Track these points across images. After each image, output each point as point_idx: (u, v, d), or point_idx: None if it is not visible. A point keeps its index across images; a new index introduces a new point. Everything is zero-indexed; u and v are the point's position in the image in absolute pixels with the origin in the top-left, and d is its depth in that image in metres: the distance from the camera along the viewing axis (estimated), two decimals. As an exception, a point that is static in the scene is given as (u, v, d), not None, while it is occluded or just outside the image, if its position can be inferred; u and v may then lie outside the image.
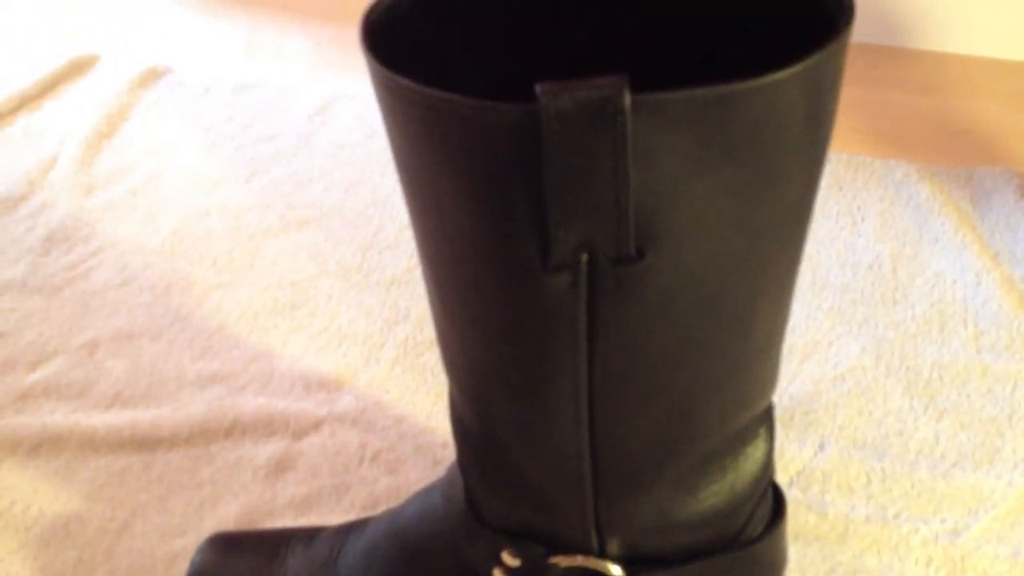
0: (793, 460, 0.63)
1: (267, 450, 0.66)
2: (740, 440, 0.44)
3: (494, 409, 0.42)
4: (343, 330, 0.75)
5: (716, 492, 0.44)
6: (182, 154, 0.94)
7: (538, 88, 0.32)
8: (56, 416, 0.68)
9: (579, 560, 0.45)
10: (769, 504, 0.47)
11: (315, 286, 0.79)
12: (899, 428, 0.65)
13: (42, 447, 0.66)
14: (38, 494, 0.64)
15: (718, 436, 0.42)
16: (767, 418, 0.45)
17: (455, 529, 0.48)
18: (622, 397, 0.40)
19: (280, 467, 0.65)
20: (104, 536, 0.61)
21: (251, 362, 0.73)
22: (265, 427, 0.67)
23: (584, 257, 0.35)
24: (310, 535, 0.55)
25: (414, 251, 0.82)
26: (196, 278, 0.80)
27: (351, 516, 0.62)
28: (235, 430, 0.67)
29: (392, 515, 0.53)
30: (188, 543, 0.60)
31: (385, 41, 0.38)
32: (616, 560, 0.45)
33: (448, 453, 0.66)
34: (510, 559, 0.46)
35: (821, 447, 0.64)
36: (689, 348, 0.38)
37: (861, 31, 1.05)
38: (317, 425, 0.68)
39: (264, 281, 0.80)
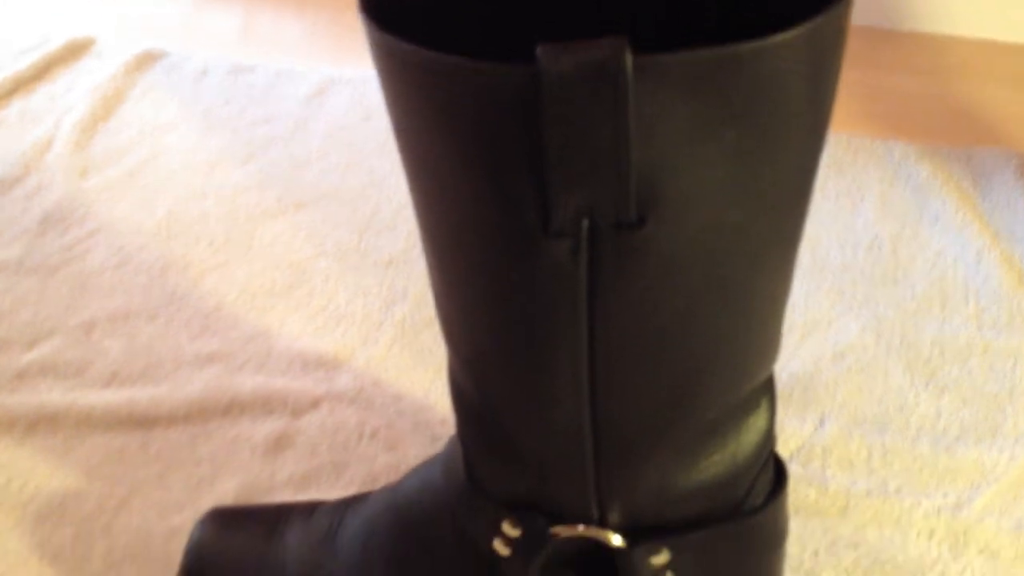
0: (793, 436, 0.63)
1: (265, 428, 0.66)
2: (742, 410, 0.44)
3: (494, 379, 0.42)
4: (341, 310, 0.75)
5: (717, 462, 0.44)
6: (178, 137, 0.93)
7: (539, 50, 0.32)
8: (53, 395, 0.68)
9: (580, 530, 0.45)
10: (770, 475, 0.47)
11: (313, 267, 0.79)
12: (900, 404, 0.65)
13: (39, 425, 0.66)
14: (35, 471, 0.63)
15: (719, 406, 0.42)
16: (768, 389, 0.45)
17: (455, 501, 0.48)
18: (623, 366, 0.39)
19: (279, 444, 0.65)
20: (102, 513, 0.61)
21: (249, 341, 0.72)
22: (263, 405, 0.67)
23: (585, 224, 0.35)
24: (309, 510, 0.55)
25: (411, 232, 0.81)
26: (193, 259, 0.79)
27: (350, 492, 0.62)
28: (233, 408, 0.67)
29: (391, 489, 0.53)
30: (186, 519, 0.60)
31: (383, 8, 0.38)
32: (617, 529, 0.45)
33: (446, 430, 0.66)
34: (510, 529, 0.45)
35: (821, 423, 0.64)
36: (691, 317, 0.38)
37: (861, 14, 1.05)
38: (315, 403, 0.67)
39: (261, 262, 0.79)
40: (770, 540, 0.47)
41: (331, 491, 0.62)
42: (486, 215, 0.36)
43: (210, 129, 0.94)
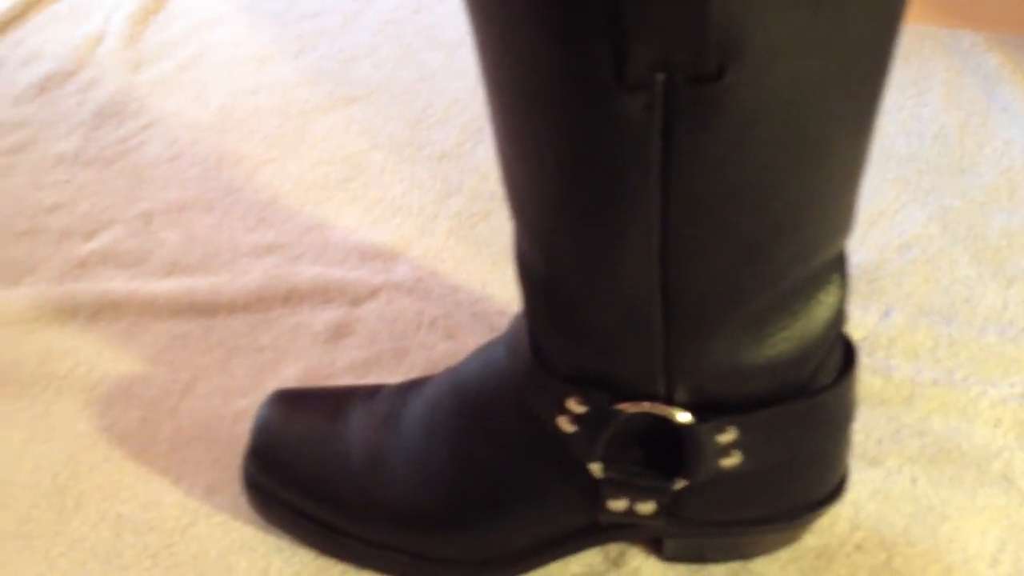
0: (858, 326, 0.62)
1: (325, 316, 0.66)
2: (813, 284, 0.43)
3: (562, 250, 0.41)
4: (396, 202, 0.74)
5: (787, 338, 0.43)
6: (228, 31, 0.92)
7: None
8: (115, 283, 0.69)
9: (645, 406, 0.45)
10: (839, 355, 0.47)
11: (366, 160, 0.78)
12: (966, 295, 0.64)
13: (102, 312, 0.67)
14: (100, 357, 0.64)
15: (791, 279, 0.41)
16: (840, 265, 0.44)
17: (519, 379, 0.48)
18: (695, 233, 0.38)
19: (338, 332, 0.65)
20: (167, 396, 0.62)
21: (305, 233, 0.72)
22: (322, 295, 0.67)
23: (660, 77, 0.34)
24: (372, 392, 0.55)
25: (464, 126, 0.80)
26: (246, 153, 0.79)
27: (411, 378, 0.62)
28: (292, 297, 0.67)
29: (454, 370, 0.53)
30: (251, 403, 0.61)
31: None
32: (683, 406, 0.45)
33: (504, 321, 0.66)
34: (575, 406, 0.45)
35: (886, 313, 0.63)
36: (766, 181, 0.37)
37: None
38: (374, 293, 0.68)
39: (315, 156, 0.79)
40: (837, 420, 0.47)
41: (391, 377, 0.63)
42: (557, 69, 0.35)
43: (259, 23, 0.93)
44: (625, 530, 0.50)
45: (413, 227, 0.72)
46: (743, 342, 0.43)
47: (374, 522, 0.52)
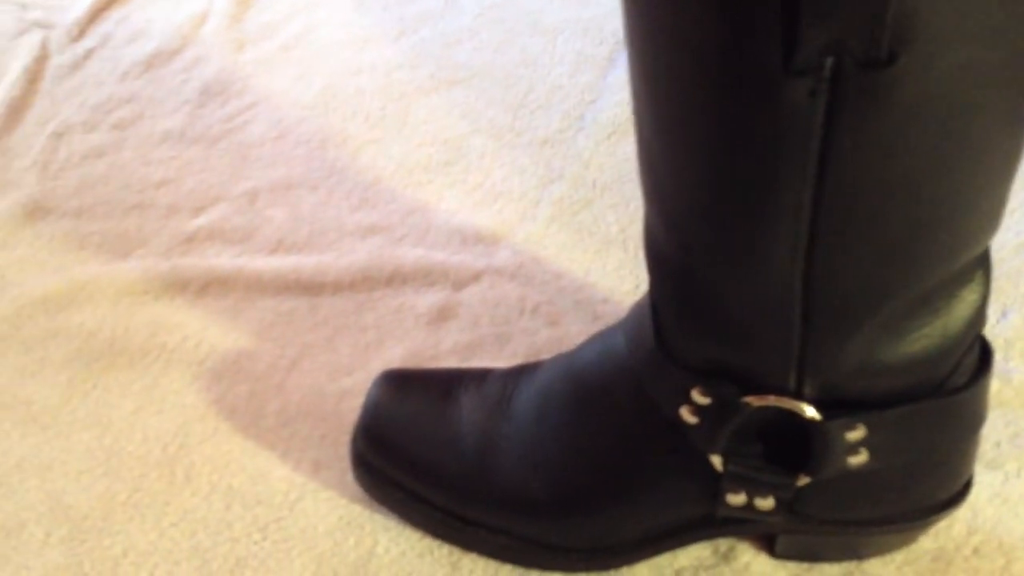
0: (974, 327, 0.60)
1: (428, 299, 0.66)
2: (956, 282, 0.42)
3: (701, 236, 0.41)
4: (497, 187, 0.74)
5: (927, 335, 0.42)
6: (329, 12, 0.93)
7: None
8: (222, 259, 0.69)
9: (772, 400, 0.44)
10: (976, 356, 0.45)
11: (467, 144, 0.78)
12: (1089, 299, 0.62)
13: (210, 288, 0.68)
14: (208, 331, 0.65)
15: (936, 276, 0.40)
16: (984, 262, 0.43)
17: (640, 367, 0.47)
18: (846, 226, 0.38)
19: (442, 315, 0.65)
20: (274, 372, 0.62)
21: (408, 215, 0.72)
22: (425, 277, 0.67)
23: (829, 62, 0.33)
24: (482, 375, 0.55)
25: (566, 112, 0.80)
26: (350, 133, 0.80)
27: (514, 363, 0.62)
28: (396, 279, 0.67)
29: (568, 357, 0.53)
30: (356, 381, 0.61)
31: None
32: (812, 402, 0.44)
33: (608, 309, 0.65)
34: (700, 397, 0.45)
35: (1004, 314, 0.61)
36: (923, 173, 0.36)
37: None
38: (476, 277, 0.68)
39: (417, 138, 0.79)
40: (970, 422, 0.46)
41: (495, 362, 0.62)
42: (720, 53, 0.34)
43: (360, 5, 0.93)
44: (739, 525, 0.49)
45: (514, 212, 0.72)
46: (882, 339, 0.42)
47: (482, 505, 0.52)
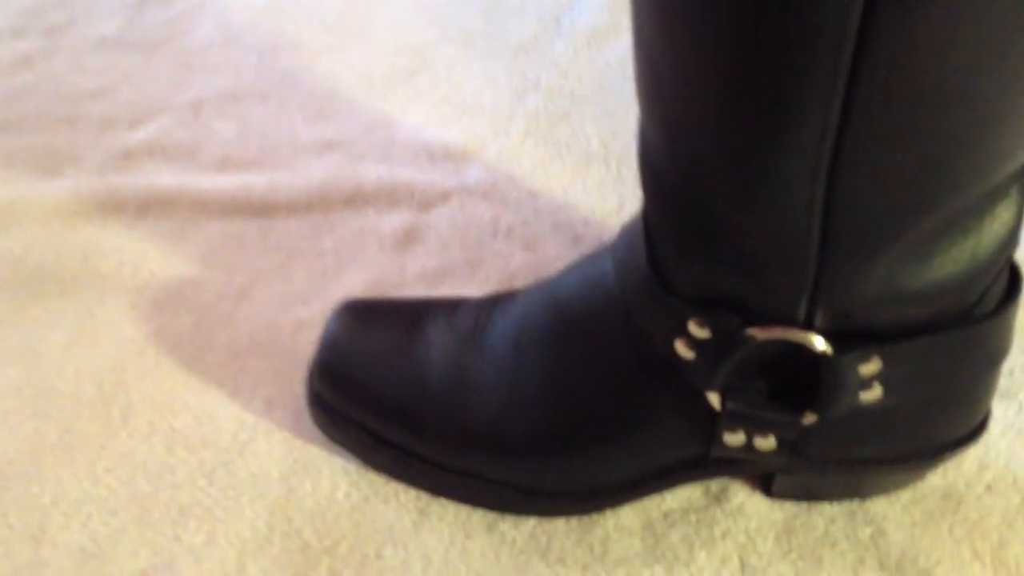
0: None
1: (392, 220, 0.60)
2: (990, 199, 0.37)
3: (710, 154, 0.35)
4: (467, 99, 0.68)
5: (955, 259, 0.37)
6: (282, -91, 0.85)
7: None
8: (163, 177, 0.63)
9: (778, 332, 0.39)
10: (1005, 281, 0.41)
11: (435, 52, 0.72)
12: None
13: (149, 209, 0.61)
14: (148, 256, 0.59)
15: (971, 193, 0.35)
16: (1021, 176, 0.38)
17: (630, 297, 0.42)
18: (874, 141, 0.32)
19: (407, 238, 0.60)
20: (222, 302, 0.57)
21: (369, 130, 0.66)
22: (388, 197, 0.62)
23: None
24: (452, 306, 0.50)
25: (542, 17, 0.73)
26: (305, 39, 0.73)
27: (487, 291, 0.57)
28: (356, 199, 0.62)
29: (548, 285, 0.48)
30: (313, 312, 0.56)
31: None
32: (823, 333, 0.39)
33: (588, 231, 0.60)
34: (698, 330, 0.40)
35: (1018, 237, 0.56)
36: (964, 81, 0.31)
37: None
38: (445, 197, 0.62)
39: (379, 46, 0.72)
40: (993, 354, 0.41)
41: (466, 288, 0.57)
42: None
43: (316, -99, 0.85)
44: (735, 465, 0.45)
45: (486, 127, 0.66)
46: (906, 263, 0.37)
47: (453, 446, 0.47)
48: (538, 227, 0.60)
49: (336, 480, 0.49)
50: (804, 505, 0.47)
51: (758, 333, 0.39)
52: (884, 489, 0.47)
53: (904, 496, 0.47)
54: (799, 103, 0.32)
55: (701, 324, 0.40)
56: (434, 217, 0.61)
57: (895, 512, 0.47)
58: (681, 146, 0.36)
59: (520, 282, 0.57)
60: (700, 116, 0.34)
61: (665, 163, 0.38)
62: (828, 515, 0.47)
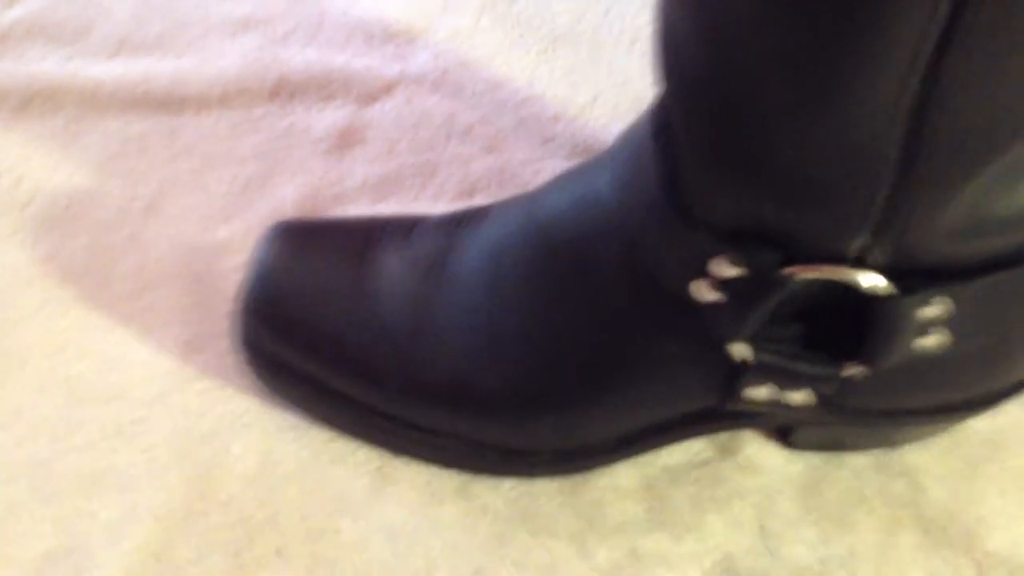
0: None
1: (326, 118, 0.51)
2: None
3: (758, 36, 0.27)
4: (409, -33, 0.58)
5: (1046, 181, 0.30)
6: None
7: None
8: (47, 64, 0.52)
9: (826, 271, 0.32)
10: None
11: (367, -90, 0.61)
12: None
13: (32, 103, 0.51)
14: (32, 163, 0.49)
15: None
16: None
17: (635, 225, 0.34)
18: (984, 50, 0.25)
19: (345, 140, 0.50)
20: (125, 219, 0.47)
21: (292, 4, 0.56)
22: (321, 88, 0.52)
23: None
24: (406, 227, 0.41)
25: None
26: None
27: (443, 204, 0.48)
28: (282, 91, 0.52)
29: (528, 202, 0.39)
30: (235, 231, 0.47)
31: None
32: (879, 271, 0.32)
33: (561, 129, 0.51)
34: (725, 268, 0.32)
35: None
36: None
37: None
38: (388, 88, 0.52)
39: (299, -98, 0.61)
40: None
41: (417, 201, 0.48)
42: None
43: None
44: (752, 419, 0.38)
45: (433, 0, 0.56)
46: (993, 190, 0.29)
47: (414, 398, 0.39)
48: (500, 124, 0.51)
49: (272, 440, 0.41)
50: (827, 456, 0.41)
51: (801, 271, 0.32)
52: (919, 436, 0.41)
53: (941, 442, 0.41)
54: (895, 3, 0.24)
55: (731, 262, 0.32)
56: (376, 113, 0.51)
57: (929, 461, 0.41)
58: (721, 27, 0.28)
59: (482, 192, 0.49)
60: (760, 7, 0.26)
61: (695, 50, 0.30)
62: (855, 468, 0.40)
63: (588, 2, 0.55)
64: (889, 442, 0.41)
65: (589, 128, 0.51)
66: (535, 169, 0.49)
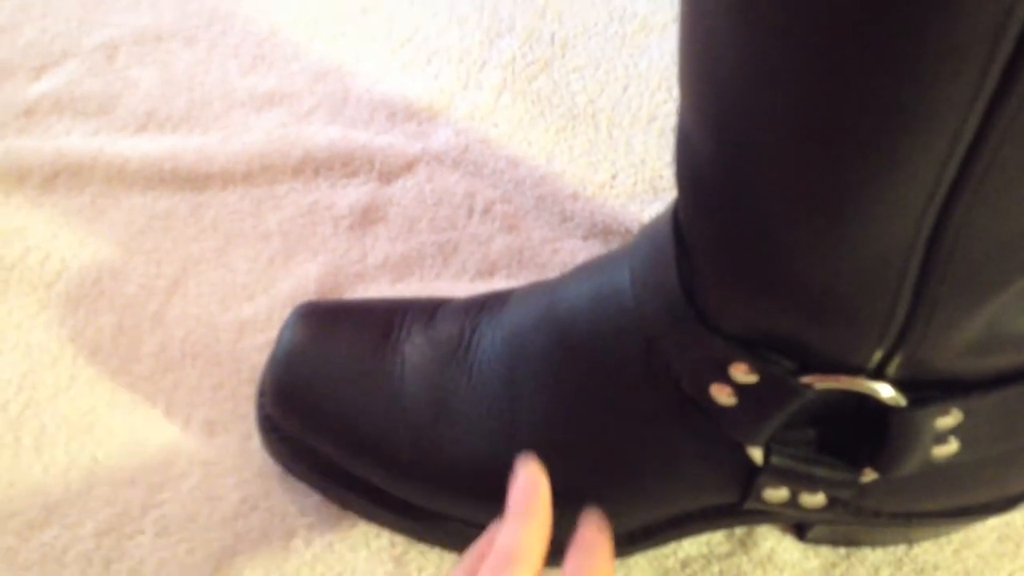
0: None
1: (349, 195, 0.51)
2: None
3: (779, 164, 0.27)
4: (431, 43, 0.59)
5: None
6: None
7: None
8: (73, 139, 0.53)
9: (843, 382, 0.32)
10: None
11: (390, -16, 0.62)
12: None
13: (59, 179, 0.51)
14: (59, 240, 0.49)
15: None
16: None
17: (653, 323, 0.35)
18: (1011, 166, 0.25)
19: (367, 217, 0.51)
20: (149, 297, 0.48)
21: (316, 80, 0.57)
22: (343, 165, 0.53)
23: None
24: (429, 310, 0.42)
25: (513, -57, 0.64)
26: (237, -33, 0.62)
27: (463, 283, 0.49)
28: (305, 167, 0.52)
29: (547, 293, 0.40)
30: (259, 309, 0.47)
31: None
32: (894, 383, 0.32)
33: (579, 208, 0.52)
34: (743, 375, 0.33)
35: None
36: None
37: None
38: (410, 166, 0.53)
39: (324, -25, 0.62)
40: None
41: (439, 279, 0.49)
42: None
43: None
44: (770, 515, 0.38)
45: (454, 77, 0.57)
46: (1012, 307, 0.30)
47: (435, 487, 0.40)
48: (520, 203, 0.52)
49: (294, 522, 0.42)
50: (843, 552, 0.41)
51: (817, 382, 0.32)
52: (936, 534, 0.41)
53: (956, 540, 0.41)
54: (927, 118, 0.24)
55: (749, 369, 0.32)
56: (397, 190, 0.52)
57: (946, 559, 0.41)
58: (741, 152, 0.28)
59: (502, 271, 0.49)
60: (773, 117, 0.26)
61: (713, 170, 0.30)
62: (871, 563, 0.41)
63: (606, 80, 0.56)
64: (906, 539, 0.41)
65: (608, 207, 0.51)
66: (553, 248, 0.50)
